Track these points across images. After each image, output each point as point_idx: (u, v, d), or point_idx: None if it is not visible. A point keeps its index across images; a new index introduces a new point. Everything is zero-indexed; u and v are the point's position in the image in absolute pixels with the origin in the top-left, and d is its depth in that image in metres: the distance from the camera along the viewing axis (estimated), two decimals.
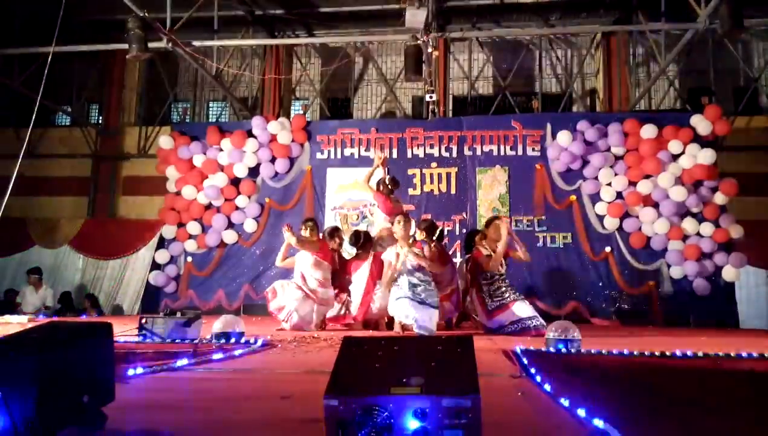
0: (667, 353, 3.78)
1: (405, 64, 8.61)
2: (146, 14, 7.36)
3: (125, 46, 7.48)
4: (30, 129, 5.70)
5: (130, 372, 2.58)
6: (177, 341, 4.36)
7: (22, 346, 1.56)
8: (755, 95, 10.22)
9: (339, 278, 6.45)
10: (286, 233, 6.00)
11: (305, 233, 6.35)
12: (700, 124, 8.48)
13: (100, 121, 11.60)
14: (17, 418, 1.42)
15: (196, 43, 8.53)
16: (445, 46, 10.62)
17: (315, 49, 11.45)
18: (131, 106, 11.39)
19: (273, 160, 9.39)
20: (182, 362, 3.01)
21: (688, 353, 3.81)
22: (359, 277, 6.25)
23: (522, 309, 5.83)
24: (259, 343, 4.17)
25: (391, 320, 5.92)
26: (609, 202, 8.58)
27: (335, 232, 6.73)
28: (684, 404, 2.29)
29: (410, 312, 5.44)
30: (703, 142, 8.47)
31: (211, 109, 11.99)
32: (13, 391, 1.47)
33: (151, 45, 7.60)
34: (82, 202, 10.87)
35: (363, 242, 6.36)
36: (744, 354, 3.79)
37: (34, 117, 5.50)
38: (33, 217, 10.17)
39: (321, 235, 6.58)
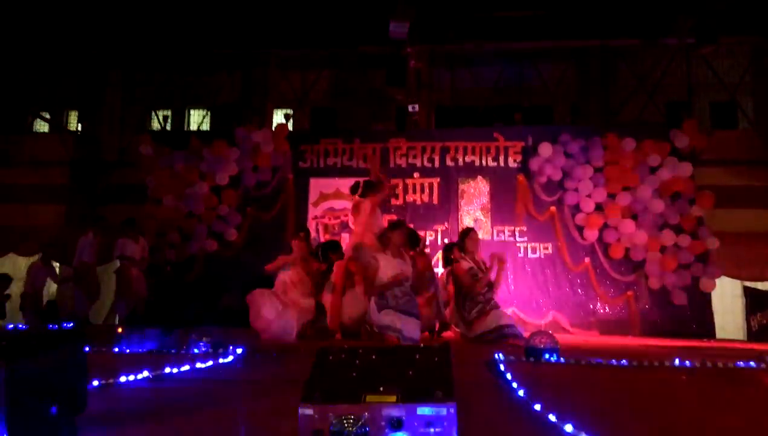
0: (644, 363, 3.82)
1: (387, 75, 8.66)
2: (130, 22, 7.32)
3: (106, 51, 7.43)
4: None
5: (102, 382, 2.54)
6: (154, 351, 4.30)
7: None
8: (732, 110, 10.43)
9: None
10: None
11: (296, 245, 6.40)
12: (678, 137, 8.63)
13: (78, 129, 11.47)
14: None
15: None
16: (428, 57, 10.69)
17: (298, 58, 11.46)
18: (111, 113, 11.29)
19: (255, 168, 9.35)
20: (159, 371, 2.96)
21: (664, 362, 3.85)
22: (349, 282, 6.23)
23: (500, 317, 5.88)
24: (239, 352, 4.13)
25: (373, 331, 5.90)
26: (589, 214, 8.67)
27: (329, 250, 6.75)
28: (656, 410, 2.31)
29: (396, 324, 5.45)
30: (680, 155, 8.62)
31: (192, 117, 11.93)
32: None
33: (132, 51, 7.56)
34: (59, 211, 10.70)
35: (323, 253, 6.45)
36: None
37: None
38: (7, 224, 10.01)
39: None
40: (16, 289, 9.19)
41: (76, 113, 11.82)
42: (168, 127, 11.61)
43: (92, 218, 8.84)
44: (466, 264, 6.19)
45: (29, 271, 8.92)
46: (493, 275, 6.17)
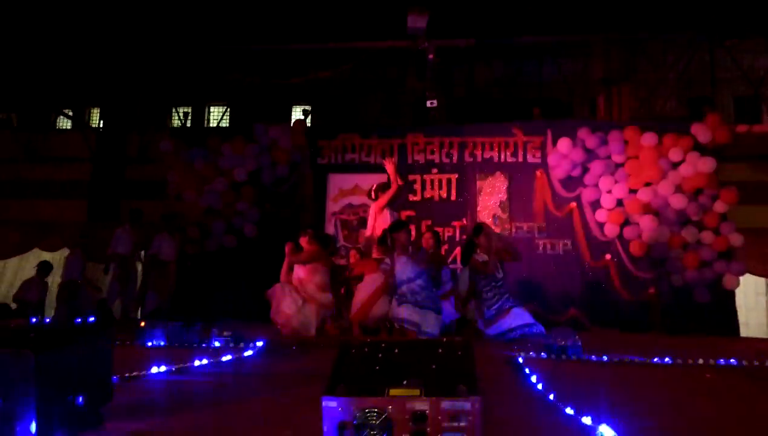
0: (666, 360, 3.77)
1: (407, 70, 8.64)
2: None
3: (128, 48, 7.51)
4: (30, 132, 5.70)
5: (127, 374, 2.57)
6: (176, 345, 4.35)
7: (21, 346, 1.55)
8: (756, 104, 10.24)
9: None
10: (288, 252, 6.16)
11: (305, 243, 6.44)
12: (701, 132, 8.48)
13: (100, 126, 11.61)
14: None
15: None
16: (447, 51, 10.62)
17: (317, 54, 11.47)
18: (132, 110, 11.40)
19: (273, 165, 9.38)
20: (182, 365, 2.99)
21: (687, 360, 3.80)
22: (371, 281, 6.22)
23: (520, 316, 5.84)
24: (259, 346, 4.16)
25: (393, 326, 5.91)
26: (609, 210, 8.57)
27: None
28: (677, 407, 2.28)
29: (414, 317, 5.47)
30: (703, 150, 8.47)
31: (211, 113, 12.01)
32: (12, 391, 1.47)
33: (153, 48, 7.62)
34: (81, 206, 10.85)
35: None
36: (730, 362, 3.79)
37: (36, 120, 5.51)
38: (33, 220, 10.16)
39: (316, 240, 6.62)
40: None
41: (98, 110, 11.97)
42: (188, 124, 11.70)
43: (128, 211, 8.99)
44: (481, 258, 6.18)
45: (66, 262, 9.06)
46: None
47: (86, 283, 9.06)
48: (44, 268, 9.22)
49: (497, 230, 7.08)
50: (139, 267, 9.00)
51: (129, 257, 8.54)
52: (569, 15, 10.16)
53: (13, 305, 8.99)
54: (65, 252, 9.86)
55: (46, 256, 9.98)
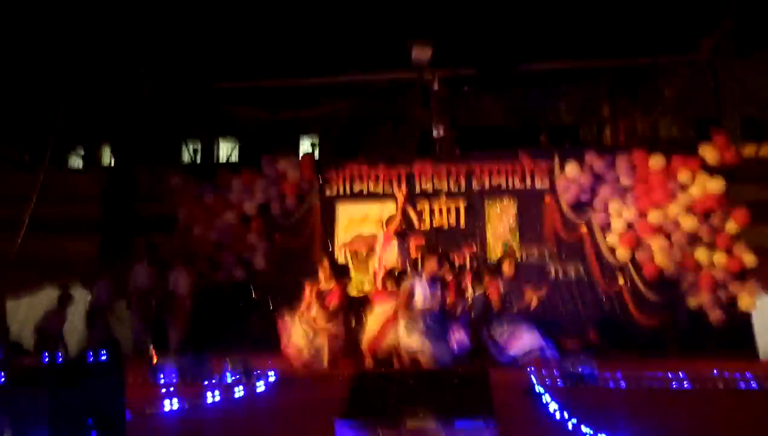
0: (685, 384, 3.70)
1: (411, 100, 8.72)
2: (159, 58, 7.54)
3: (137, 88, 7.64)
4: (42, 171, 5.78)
5: (140, 411, 2.56)
6: (189, 380, 4.33)
7: (35, 382, 1.55)
8: (763, 123, 10.21)
9: None
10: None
11: (322, 274, 6.46)
12: (709, 153, 8.47)
13: (111, 162, 11.75)
14: None
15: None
16: (452, 81, 10.72)
17: (323, 87, 11.60)
18: (142, 146, 11.52)
19: (282, 197, 9.44)
20: (195, 401, 2.98)
21: (705, 384, 3.73)
22: (382, 311, 6.20)
23: (534, 339, 5.80)
24: (271, 380, 4.13)
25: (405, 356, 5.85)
26: (620, 233, 8.52)
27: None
28: (695, 432, 2.23)
29: (426, 347, 5.42)
30: (712, 171, 8.44)
31: (221, 149, 12.14)
32: (26, 428, 1.46)
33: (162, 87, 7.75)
34: (93, 243, 10.89)
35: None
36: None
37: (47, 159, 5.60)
38: (44, 257, 10.20)
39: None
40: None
41: (109, 147, 12.13)
42: (198, 160, 11.82)
43: (140, 246, 9.06)
44: (500, 287, 6.18)
45: (94, 289, 9.09)
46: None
47: (112, 313, 9.08)
48: (66, 298, 9.22)
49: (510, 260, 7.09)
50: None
51: (148, 292, 8.59)
52: (573, 41, 10.26)
53: (33, 337, 8.95)
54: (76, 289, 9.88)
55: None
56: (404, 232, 7.47)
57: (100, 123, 11.49)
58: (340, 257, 9.08)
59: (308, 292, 6.36)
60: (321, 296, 6.33)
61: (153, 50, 7.85)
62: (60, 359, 7.38)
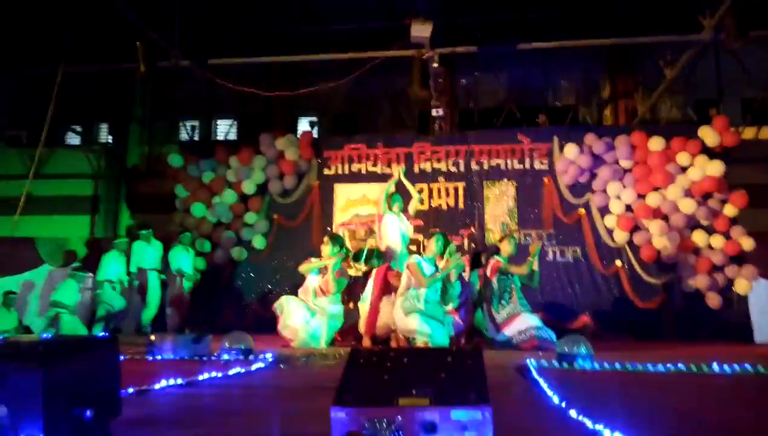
0: (680, 367, 3.72)
1: (411, 79, 8.64)
2: (156, 34, 7.46)
3: (133, 65, 7.58)
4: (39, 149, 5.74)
5: (136, 388, 2.56)
6: (186, 358, 4.34)
7: (27, 359, 1.54)
8: (764, 105, 10.16)
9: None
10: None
11: (326, 248, 6.42)
12: (708, 135, 8.43)
13: (109, 141, 11.68)
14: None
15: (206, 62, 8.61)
16: (451, 60, 10.63)
17: (322, 65, 11.50)
18: (139, 125, 11.46)
19: (281, 176, 9.41)
20: (192, 378, 2.98)
21: (701, 367, 3.74)
22: (366, 293, 6.25)
23: (530, 320, 5.84)
24: (269, 359, 4.15)
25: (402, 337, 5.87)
26: (618, 216, 8.52)
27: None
28: (692, 415, 2.24)
29: (424, 328, 5.44)
30: (711, 153, 8.41)
31: (218, 127, 12.06)
32: (19, 405, 1.46)
33: (159, 64, 7.68)
34: (90, 221, 10.88)
35: (367, 257, 6.43)
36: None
37: (44, 137, 5.56)
38: (41, 236, 10.20)
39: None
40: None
41: (107, 126, 12.05)
42: (196, 138, 11.74)
43: (143, 226, 9.04)
44: (503, 260, 6.22)
45: (103, 261, 9.07)
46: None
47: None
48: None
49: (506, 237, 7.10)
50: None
51: (147, 271, 8.61)
52: (573, 21, 10.15)
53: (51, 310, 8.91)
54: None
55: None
56: (404, 209, 7.44)
57: (97, 101, 11.41)
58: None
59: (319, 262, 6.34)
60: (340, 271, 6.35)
61: (149, 25, 7.74)
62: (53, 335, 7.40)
